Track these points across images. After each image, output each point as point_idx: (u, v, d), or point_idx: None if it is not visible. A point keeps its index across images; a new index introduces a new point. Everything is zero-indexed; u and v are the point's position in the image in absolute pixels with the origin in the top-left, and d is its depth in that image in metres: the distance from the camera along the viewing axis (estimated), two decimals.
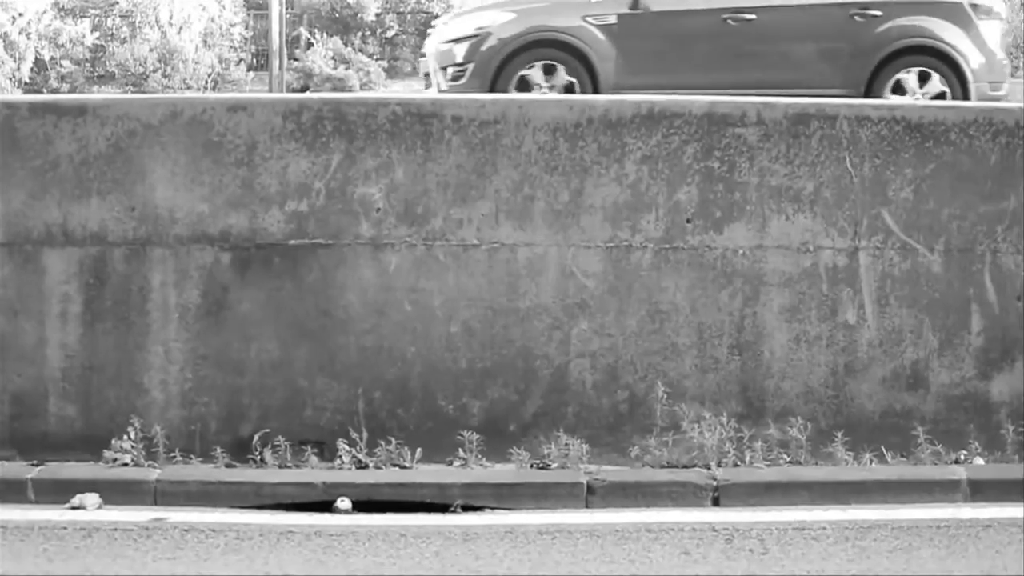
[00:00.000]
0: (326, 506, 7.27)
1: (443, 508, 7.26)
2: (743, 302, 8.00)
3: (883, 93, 12.01)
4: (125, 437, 7.75)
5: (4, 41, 29.13)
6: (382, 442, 7.80)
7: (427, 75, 12.74)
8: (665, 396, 7.87)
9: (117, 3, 31.50)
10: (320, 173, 7.92)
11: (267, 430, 7.84)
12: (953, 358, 8.04)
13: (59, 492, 7.31)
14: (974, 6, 12.39)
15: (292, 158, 7.91)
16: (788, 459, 7.82)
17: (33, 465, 7.67)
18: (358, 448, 7.77)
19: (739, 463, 7.74)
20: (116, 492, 7.33)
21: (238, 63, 31.97)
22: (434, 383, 7.93)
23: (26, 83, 29.27)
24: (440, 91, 12.02)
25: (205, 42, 31.47)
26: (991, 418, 8.02)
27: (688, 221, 7.99)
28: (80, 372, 7.93)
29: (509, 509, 7.29)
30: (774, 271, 8.00)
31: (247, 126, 7.92)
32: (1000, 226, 8.03)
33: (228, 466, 7.74)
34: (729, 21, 12.10)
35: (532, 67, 11.92)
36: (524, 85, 11.78)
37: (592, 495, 7.41)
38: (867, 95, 11.85)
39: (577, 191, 7.96)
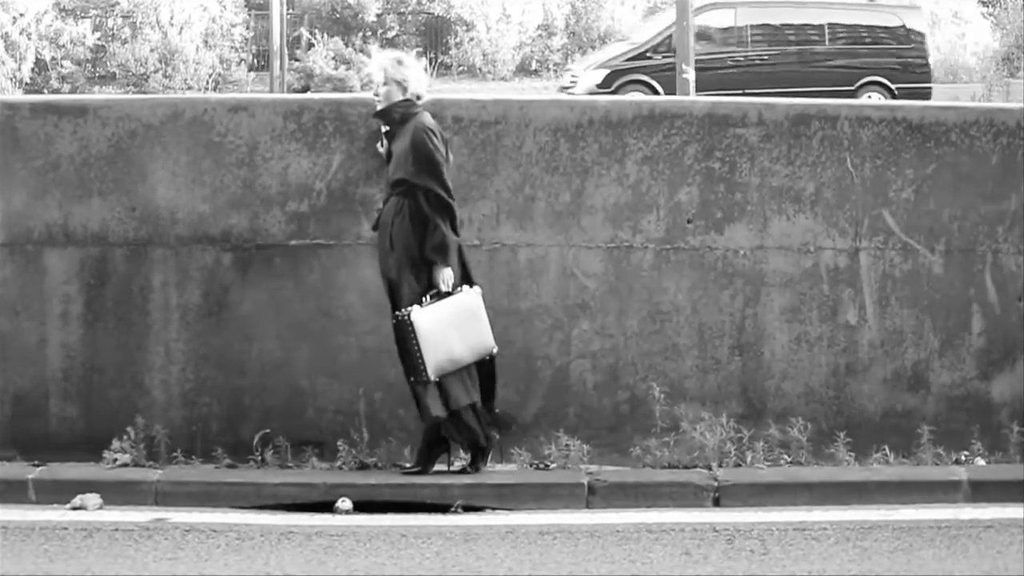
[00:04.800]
0: (327, 506, 7.27)
1: (444, 509, 7.26)
2: (744, 303, 8.00)
3: None
4: (126, 437, 7.76)
5: (5, 41, 29.15)
6: (383, 442, 7.81)
7: None
8: (666, 397, 7.87)
9: (118, 3, 31.51)
10: (321, 173, 7.92)
11: (268, 430, 7.84)
12: (954, 359, 8.04)
13: (60, 492, 7.31)
14: None
15: (293, 158, 7.92)
16: (789, 459, 7.82)
17: (34, 465, 7.67)
18: (359, 448, 7.77)
19: (740, 463, 7.75)
20: (117, 492, 7.34)
21: (239, 63, 31.99)
22: None
23: (27, 83, 29.29)
24: None
25: (206, 43, 31.49)
26: (992, 419, 8.01)
27: (689, 222, 7.99)
28: (81, 372, 7.93)
29: (510, 509, 7.29)
30: (775, 272, 8.00)
31: (248, 127, 7.92)
32: (1001, 227, 8.03)
33: (229, 466, 7.74)
34: None
35: None
36: None
37: (593, 495, 7.41)
38: None
39: (578, 191, 7.96)
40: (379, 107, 7.62)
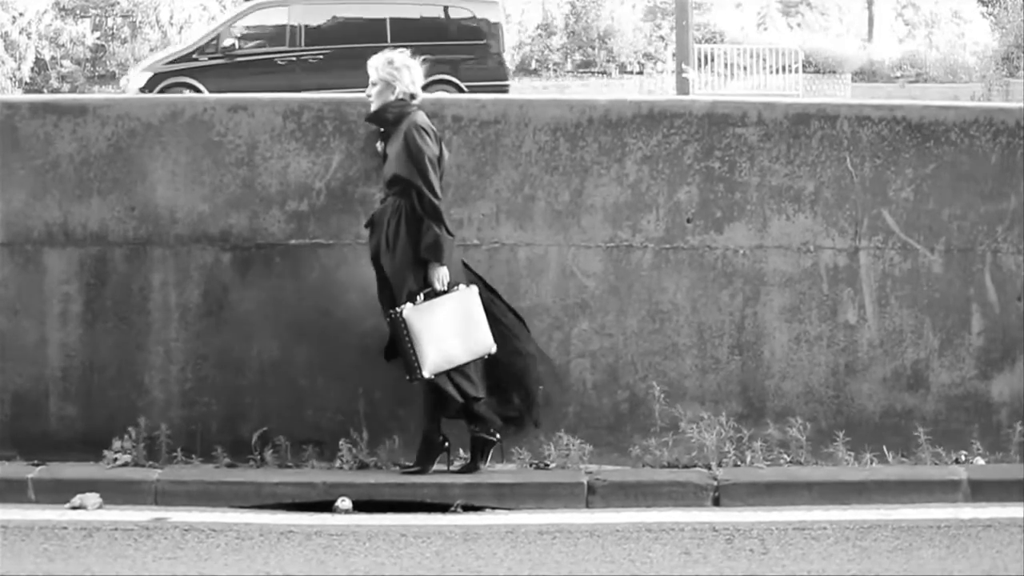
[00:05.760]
0: (327, 506, 7.28)
1: (444, 508, 7.27)
2: (743, 302, 8.00)
3: None
4: (126, 437, 7.76)
5: (5, 41, 29.11)
6: (383, 442, 7.81)
7: None
8: (665, 396, 7.87)
9: (118, 3, 31.46)
10: (321, 173, 7.92)
11: (267, 430, 7.84)
12: (954, 358, 8.04)
13: (60, 492, 7.31)
14: None
15: (293, 158, 7.92)
16: (788, 459, 7.82)
17: (34, 465, 7.67)
18: (359, 448, 7.77)
19: (739, 463, 7.75)
20: (117, 492, 7.34)
21: None
22: None
23: (27, 83, 29.26)
24: None
25: None
26: (992, 418, 8.02)
27: (688, 221, 7.99)
28: (81, 372, 7.93)
29: (510, 509, 7.29)
30: (775, 271, 8.00)
31: (248, 126, 7.92)
32: (1000, 226, 8.03)
33: (229, 466, 7.74)
34: None
35: None
36: None
37: (592, 495, 7.42)
38: None
39: (577, 191, 7.96)
40: (372, 107, 7.63)
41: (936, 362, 8.03)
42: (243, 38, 24.25)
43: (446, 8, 24.54)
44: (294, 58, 24.06)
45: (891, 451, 7.88)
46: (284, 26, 24.24)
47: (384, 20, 24.07)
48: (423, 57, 7.75)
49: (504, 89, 23.13)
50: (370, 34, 23.82)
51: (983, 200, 8.03)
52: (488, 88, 22.19)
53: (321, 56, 23.97)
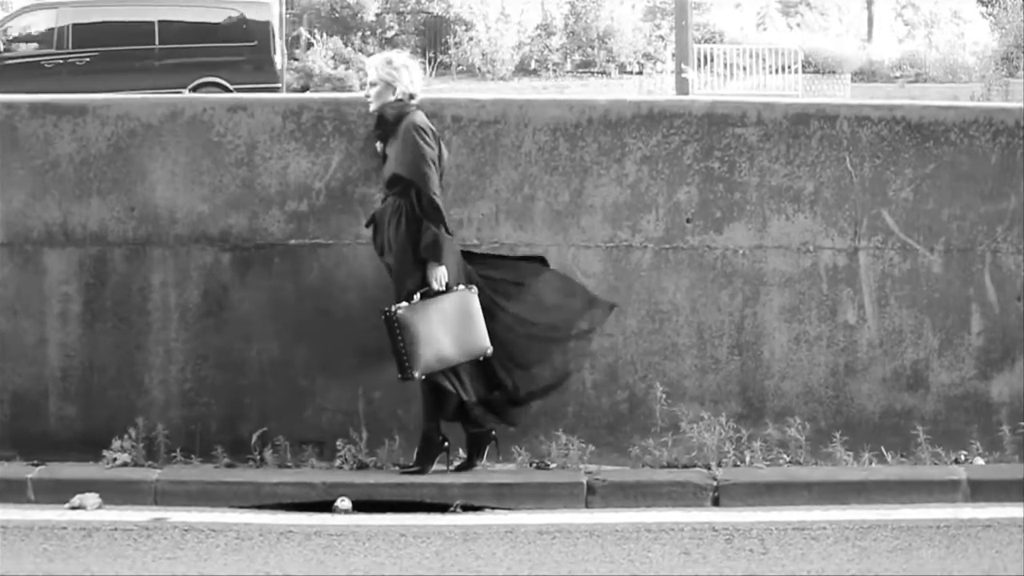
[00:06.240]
0: (326, 506, 7.28)
1: (443, 508, 7.26)
2: (743, 302, 8.00)
3: None
4: (125, 437, 7.76)
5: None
6: (383, 442, 7.81)
7: None
8: (665, 396, 7.87)
9: None
10: (320, 173, 7.92)
11: (267, 430, 7.84)
12: (953, 358, 8.04)
13: (59, 492, 7.31)
14: None
15: (292, 158, 7.92)
16: (788, 459, 7.82)
17: (33, 465, 7.67)
18: (358, 448, 7.77)
19: (739, 463, 7.75)
20: (116, 492, 7.34)
21: None
22: None
23: None
24: None
25: None
26: (991, 418, 8.02)
27: (688, 221, 7.99)
28: (80, 372, 7.93)
29: (509, 509, 7.29)
30: (774, 271, 8.00)
31: (247, 126, 7.92)
32: (1000, 226, 8.03)
33: (228, 466, 7.74)
34: None
35: None
36: None
37: (592, 495, 7.41)
38: None
39: (577, 191, 7.96)
40: (371, 107, 7.64)
41: (936, 362, 8.04)
42: (12, 41, 24.14)
43: (214, 9, 24.34)
44: (61, 61, 23.86)
45: (890, 451, 7.88)
46: (52, 29, 24.08)
47: (153, 23, 23.95)
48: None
49: (276, 91, 22.87)
50: (138, 36, 23.83)
51: (983, 200, 8.03)
52: (258, 91, 21.61)
53: (88, 59, 23.77)
